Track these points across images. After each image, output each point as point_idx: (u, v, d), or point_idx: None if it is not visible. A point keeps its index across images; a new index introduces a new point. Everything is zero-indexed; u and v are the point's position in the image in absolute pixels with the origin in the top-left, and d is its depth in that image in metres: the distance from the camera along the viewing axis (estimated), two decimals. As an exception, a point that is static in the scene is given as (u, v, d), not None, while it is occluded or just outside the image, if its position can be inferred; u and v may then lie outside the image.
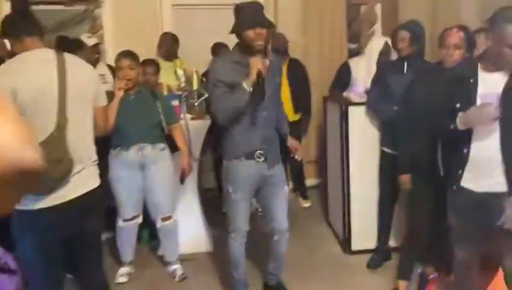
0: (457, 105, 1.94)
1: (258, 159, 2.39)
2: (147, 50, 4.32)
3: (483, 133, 1.92)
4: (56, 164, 1.76)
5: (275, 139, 2.51)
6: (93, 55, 3.69)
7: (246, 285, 2.71)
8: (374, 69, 3.30)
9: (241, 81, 2.23)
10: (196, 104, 3.37)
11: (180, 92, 3.41)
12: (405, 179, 2.61)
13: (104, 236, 3.55)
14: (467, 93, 1.94)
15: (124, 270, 3.07)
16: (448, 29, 2.42)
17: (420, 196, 2.56)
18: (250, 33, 2.24)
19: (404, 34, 2.92)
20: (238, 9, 2.32)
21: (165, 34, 4.30)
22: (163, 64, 3.92)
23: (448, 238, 2.72)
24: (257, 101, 2.28)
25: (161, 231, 3.06)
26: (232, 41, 2.49)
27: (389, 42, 3.38)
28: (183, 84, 3.42)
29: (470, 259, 2.11)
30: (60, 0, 4.28)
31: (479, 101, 1.92)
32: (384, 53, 3.37)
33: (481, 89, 1.92)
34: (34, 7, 4.27)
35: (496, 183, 1.93)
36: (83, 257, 2.03)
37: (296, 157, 2.71)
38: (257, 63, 2.21)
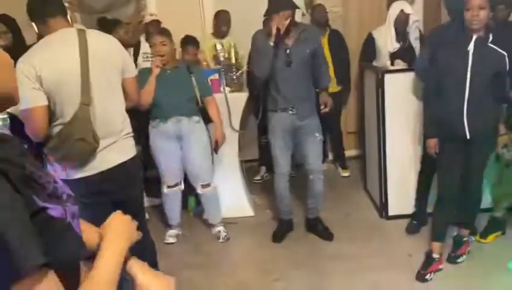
0: None
1: (290, 112, 2.99)
2: (189, 29, 4.49)
3: None
4: (80, 142, 1.87)
5: (307, 97, 3.05)
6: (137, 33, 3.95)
7: (290, 213, 3.33)
8: (393, 34, 3.44)
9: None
10: (235, 77, 3.52)
11: (219, 66, 3.57)
12: (431, 143, 2.66)
13: (153, 203, 3.86)
14: None
15: (172, 232, 3.34)
16: None
17: (447, 159, 2.61)
18: (274, 17, 2.82)
19: None
20: None
21: (223, 12, 4.30)
22: (211, 41, 4.08)
23: (478, 202, 2.77)
24: (281, 54, 2.88)
25: (202, 197, 3.30)
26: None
27: (406, 9, 3.40)
28: (222, 58, 3.57)
29: None
30: (107, -17, 4.51)
31: None
32: (400, 21, 3.40)
33: None
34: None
35: None
36: None
37: (324, 109, 3.13)
38: (274, 22, 2.82)
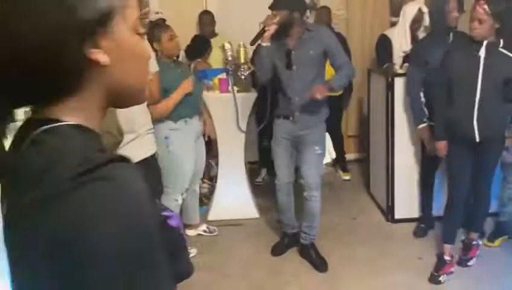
0: None
1: (292, 120, 2.80)
2: (191, 26, 4.47)
3: None
4: (106, 135, 1.80)
5: (311, 105, 2.73)
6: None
7: (293, 226, 3.07)
8: (408, 34, 3.37)
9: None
10: (243, 77, 3.49)
11: (227, 66, 3.53)
12: (441, 145, 2.68)
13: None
14: None
15: None
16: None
17: (457, 162, 2.63)
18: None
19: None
20: None
21: (205, 13, 4.39)
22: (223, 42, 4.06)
23: (487, 205, 2.80)
24: (282, 56, 2.73)
25: (197, 195, 3.31)
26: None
27: (423, 8, 3.42)
28: (230, 58, 3.53)
29: None
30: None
31: None
32: (417, 20, 3.41)
33: None
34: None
35: None
36: None
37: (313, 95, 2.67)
38: (264, 21, 2.69)
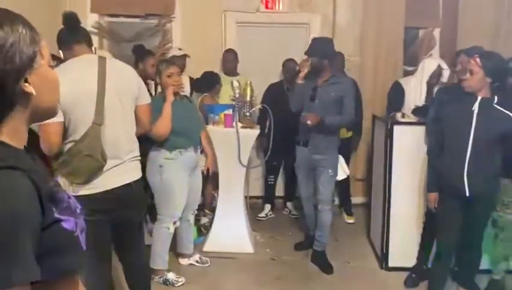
0: None
1: (308, 147, 3.33)
2: (210, 63, 4.66)
3: None
4: (88, 158, 1.95)
5: (324, 134, 3.27)
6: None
7: (314, 230, 3.58)
8: (424, 89, 3.39)
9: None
10: (248, 113, 3.61)
11: (234, 102, 3.66)
12: (431, 197, 2.67)
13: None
14: None
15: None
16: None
17: (447, 215, 2.61)
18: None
19: (464, 58, 2.99)
20: None
21: (228, 51, 4.56)
22: (225, 79, 4.22)
23: (477, 261, 2.74)
24: (309, 90, 3.29)
25: (190, 225, 3.36)
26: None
27: (442, 65, 3.44)
28: (237, 95, 3.66)
29: None
30: (136, 14, 4.73)
31: None
32: (435, 75, 3.42)
33: None
34: (114, 19, 4.80)
35: None
36: (123, 240, 2.24)
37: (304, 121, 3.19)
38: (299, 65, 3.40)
